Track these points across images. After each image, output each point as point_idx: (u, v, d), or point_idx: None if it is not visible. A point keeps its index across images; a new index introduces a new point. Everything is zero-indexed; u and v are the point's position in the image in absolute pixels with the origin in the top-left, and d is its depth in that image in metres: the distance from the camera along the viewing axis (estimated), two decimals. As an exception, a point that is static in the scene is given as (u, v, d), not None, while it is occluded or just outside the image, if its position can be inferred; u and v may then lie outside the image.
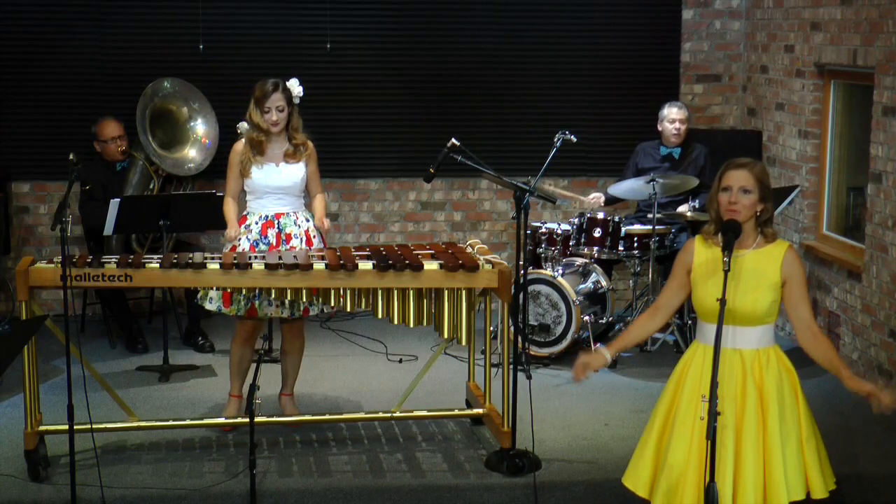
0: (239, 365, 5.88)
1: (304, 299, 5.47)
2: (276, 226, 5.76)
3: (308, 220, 5.84)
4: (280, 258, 5.38)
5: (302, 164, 5.79)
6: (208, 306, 5.77)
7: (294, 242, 5.74)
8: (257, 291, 5.46)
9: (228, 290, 5.59)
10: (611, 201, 7.56)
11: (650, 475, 4.20)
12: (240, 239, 5.73)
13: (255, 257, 5.44)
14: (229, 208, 5.81)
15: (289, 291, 5.37)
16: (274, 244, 5.71)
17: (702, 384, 4.05)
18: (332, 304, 5.48)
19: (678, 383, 4.20)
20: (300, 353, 5.96)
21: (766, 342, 4.11)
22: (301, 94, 5.78)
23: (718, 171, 4.16)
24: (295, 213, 5.81)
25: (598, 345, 4.31)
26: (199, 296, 5.85)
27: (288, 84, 5.73)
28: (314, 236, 5.82)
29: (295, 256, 5.45)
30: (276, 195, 5.77)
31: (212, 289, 5.64)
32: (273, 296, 5.51)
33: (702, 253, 4.16)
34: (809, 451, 4.10)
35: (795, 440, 4.08)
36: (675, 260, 4.30)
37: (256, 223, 5.77)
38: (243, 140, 5.77)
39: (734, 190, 4.05)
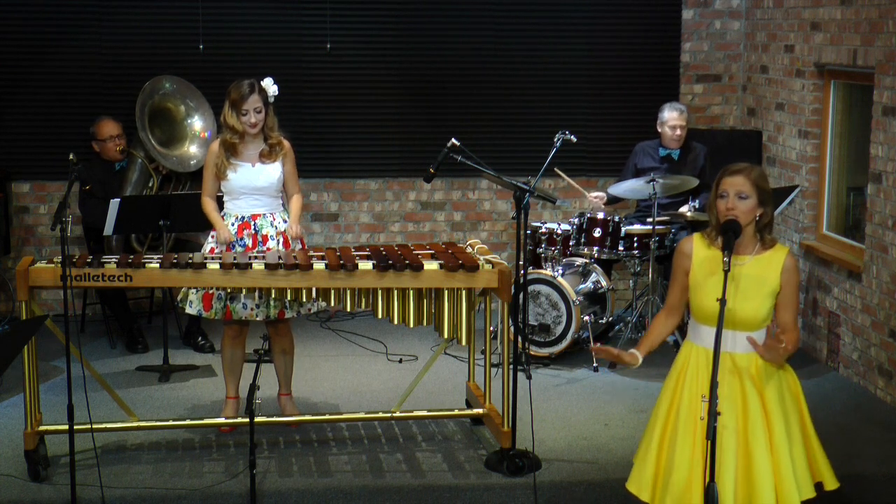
0: (231, 366, 5.87)
1: (305, 299, 5.48)
2: (253, 227, 5.74)
3: (285, 221, 5.81)
4: (280, 258, 5.38)
5: (278, 163, 5.75)
6: (189, 310, 5.75)
7: (270, 244, 5.72)
8: (232, 293, 5.52)
9: (211, 291, 5.59)
10: (612, 201, 7.57)
11: (653, 478, 4.20)
12: (216, 241, 5.73)
13: (255, 257, 5.44)
14: (212, 209, 5.78)
15: (288, 292, 5.37)
16: (250, 245, 5.70)
17: (700, 386, 4.06)
18: (332, 304, 5.48)
19: (676, 386, 4.19)
20: (290, 352, 5.95)
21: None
22: (276, 92, 5.75)
23: (717, 175, 4.15)
24: (271, 214, 5.78)
25: (632, 350, 4.27)
26: (178, 299, 5.84)
27: (263, 83, 5.70)
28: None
29: (295, 257, 5.45)
30: (253, 196, 5.74)
31: (192, 292, 5.65)
32: (253, 298, 5.56)
33: (701, 253, 4.15)
34: (817, 445, 4.13)
35: (801, 439, 4.10)
36: (673, 261, 4.29)
37: (233, 224, 5.75)
38: (219, 140, 5.75)
39: (731, 196, 4.04)
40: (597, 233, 7.24)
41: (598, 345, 4.26)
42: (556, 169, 7.29)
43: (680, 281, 4.21)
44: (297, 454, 5.61)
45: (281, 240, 5.75)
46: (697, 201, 7.20)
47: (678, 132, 7.49)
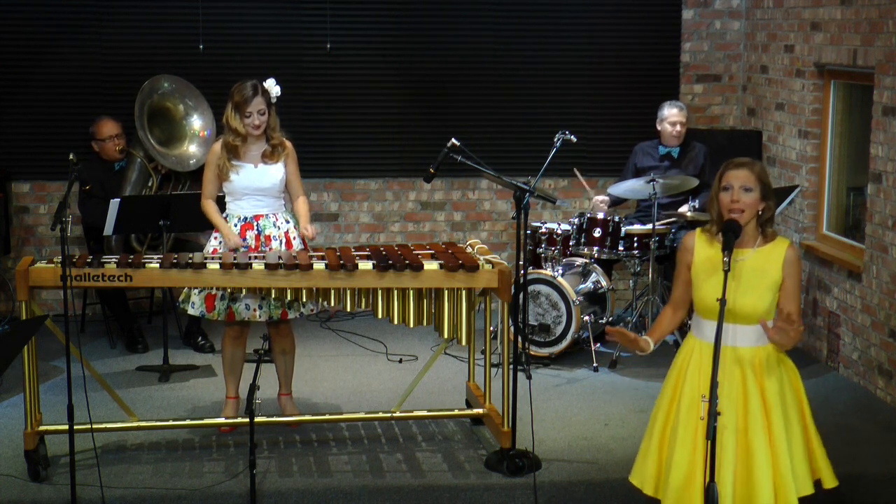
0: (231, 366, 5.87)
1: (305, 299, 5.48)
2: (256, 227, 5.73)
3: (288, 222, 5.80)
4: (280, 258, 5.38)
5: (280, 164, 5.74)
6: (191, 311, 5.74)
7: (273, 244, 5.71)
8: (234, 293, 5.51)
9: (213, 292, 5.59)
10: (615, 203, 7.56)
11: (655, 473, 4.22)
12: (220, 241, 5.72)
13: (255, 257, 5.44)
14: (214, 213, 5.75)
15: (288, 292, 5.37)
16: (253, 246, 5.69)
17: (701, 382, 4.06)
18: (332, 304, 5.48)
19: (677, 380, 4.21)
20: (291, 353, 5.95)
21: (766, 339, 4.12)
22: (278, 93, 5.73)
23: (718, 170, 4.16)
24: (274, 214, 5.77)
25: (645, 336, 4.28)
26: (180, 299, 5.84)
27: (266, 85, 5.68)
28: (294, 238, 5.79)
29: (295, 257, 5.45)
30: (255, 197, 5.73)
31: (194, 292, 5.65)
32: (255, 298, 5.56)
33: (703, 249, 4.17)
34: (817, 443, 4.13)
35: (800, 435, 4.10)
36: (676, 257, 4.31)
37: (235, 225, 5.74)
38: (221, 142, 5.73)
39: (735, 188, 4.06)
40: (597, 233, 7.24)
41: (615, 327, 4.26)
42: (574, 170, 7.38)
43: (683, 276, 4.23)
44: (297, 454, 5.61)
45: (284, 240, 5.74)
46: (697, 201, 7.20)
47: (678, 128, 7.49)
